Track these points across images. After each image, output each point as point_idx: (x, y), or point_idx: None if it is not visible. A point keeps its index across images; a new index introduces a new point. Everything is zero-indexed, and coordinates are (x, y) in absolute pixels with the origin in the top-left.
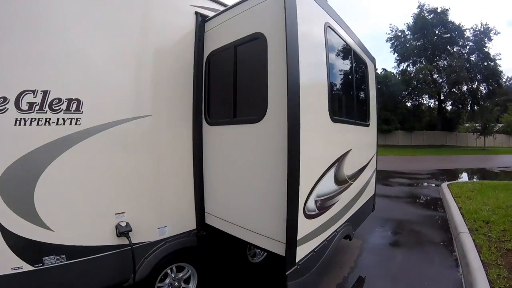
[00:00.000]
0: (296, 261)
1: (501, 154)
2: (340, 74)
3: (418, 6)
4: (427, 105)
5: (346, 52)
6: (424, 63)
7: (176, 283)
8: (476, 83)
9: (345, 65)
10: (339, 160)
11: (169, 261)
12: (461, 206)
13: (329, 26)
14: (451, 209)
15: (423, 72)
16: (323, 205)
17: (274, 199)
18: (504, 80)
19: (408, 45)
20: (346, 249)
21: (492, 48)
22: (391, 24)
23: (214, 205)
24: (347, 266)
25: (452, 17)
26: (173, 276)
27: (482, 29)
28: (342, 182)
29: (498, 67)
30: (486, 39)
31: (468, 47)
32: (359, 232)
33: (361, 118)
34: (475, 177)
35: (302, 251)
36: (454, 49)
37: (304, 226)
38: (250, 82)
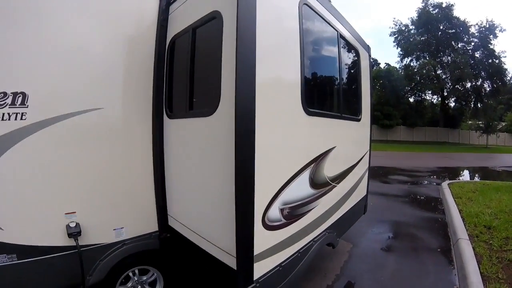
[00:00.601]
0: (255, 278)
1: (504, 153)
2: (320, 61)
3: (423, 1)
4: (430, 101)
5: (330, 36)
6: (427, 58)
7: (139, 287)
8: (480, 80)
9: (329, 51)
10: (318, 160)
11: (130, 263)
12: (462, 208)
13: (306, 4)
14: (451, 211)
15: (427, 68)
16: (294, 213)
17: (224, 206)
18: (509, 78)
19: (411, 39)
20: (333, 254)
21: (498, 45)
22: (395, 18)
23: (175, 206)
24: (332, 274)
25: (457, 12)
26: (135, 279)
27: (487, 26)
28: (321, 185)
29: (503, 64)
30: (491, 36)
31: (473, 44)
32: (350, 235)
33: (350, 112)
34: (477, 176)
35: (263, 267)
36: (459, 45)
37: (265, 239)
38: (206, 69)
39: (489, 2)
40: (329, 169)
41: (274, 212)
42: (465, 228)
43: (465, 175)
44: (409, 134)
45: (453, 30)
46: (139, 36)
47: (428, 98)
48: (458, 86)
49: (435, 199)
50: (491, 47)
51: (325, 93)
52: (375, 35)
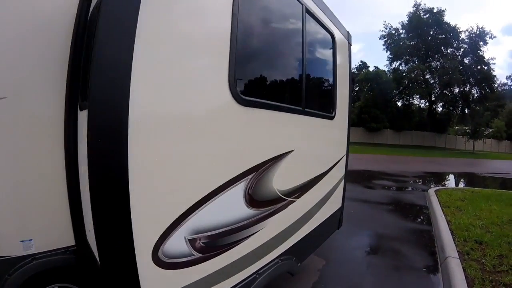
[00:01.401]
0: None
1: (490, 159)
2: (272, 33)
3: (414, 5)
4: (417, 105)
5: (291, 5)
6: (416, 62)
7: None
8: (469, 86)
9: (288, 23)
10: (261, 169)
11: (44, 281)
12: (450, 219)
13: None
14: (439, 223)
15: (415, 72)
16: (216, 243)
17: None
18: (497, 85)
19: (401, 43)
20: (301, 274)
21: (487, 52)
22: (385, 22)
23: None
24: None
25: (448, 18)
26: None
27: (477, 32)
28: (268, 202)
29: (491, 71)
30: (481, 43)
31: (462, 50)
32: (323, 249)
33: (319, 107)
34: (464, 182)
35: None
36: (448, 51)
37: (162, 281)
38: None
39: (479, 9)
40: (283, 180)
41: (177, 244)
42: (454, 243)
43: (452, 181)
44: (396, 138)
45: (443, 36)
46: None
47: (416, 102)
48: (446, 91)
49: (421, 208)
50: (481, 53)
51: (277, 78)
52: (365, 39)
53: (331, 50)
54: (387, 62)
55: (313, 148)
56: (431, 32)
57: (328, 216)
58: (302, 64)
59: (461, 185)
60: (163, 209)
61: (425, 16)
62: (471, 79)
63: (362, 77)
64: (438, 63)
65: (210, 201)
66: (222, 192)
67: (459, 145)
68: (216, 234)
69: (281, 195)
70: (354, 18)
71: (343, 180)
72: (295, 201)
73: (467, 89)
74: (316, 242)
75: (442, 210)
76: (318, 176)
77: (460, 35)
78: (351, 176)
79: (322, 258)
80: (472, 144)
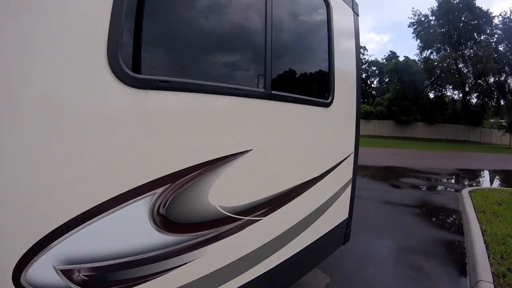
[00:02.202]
0: None
1: None
2: None
3: None
4: (450, 97)
5: None
6: (448, 51)
7: None
8: (504, 75)
9: None
10: (183, 179)
11: None
12: (485, 228)
13: None
14: (472, 233)
15: (448, 61)
16: (112, 277)
17: None
18: None
19: (431, 31)
20: None
21: None
22: (413, 8)
23: None
24: None
25: (480, 2)
26: None
27: None
28: (202, 225)
29: None
30: None
31: (496, 36)
32: (330, 262)
33: (302, 90)
34: (500, 180)
35: None
36: (481, 37)
37: None
38: None
39: None
40: (231, 193)
41: (44, 274)
42: (489, 261)
43: (488, 180)
44: (428, 131)
45: (475, 21)
46: None
47: (448, 93)
48: (480, 81)
49: (453, 212)
50: None
51: (210, 43)
52: (394, 28)
53: (324, 17)
54: (417, 51)
55: (292, 146)
56: (463, 18)
57: (325, 232)
58: (264, 25)
59: (498, 184)
60: (17, 228)
61: (455, 1)
62: (506, 68)
63: (391, 67)
64: (471, 51)
65: (88, 223)
66: (108, 212)
67: (494, 139)
68: (107, 266)
69: (228, 214)
70: (381, 7)
71: (350, 185)
72: (259, 219)
73: (502, 78)
74: (307, 264)
75: (477, 216)
76: (303, 184)
77: (493, 20)
78: (377, 174)
79: (326, 274)
80: (509, 138)
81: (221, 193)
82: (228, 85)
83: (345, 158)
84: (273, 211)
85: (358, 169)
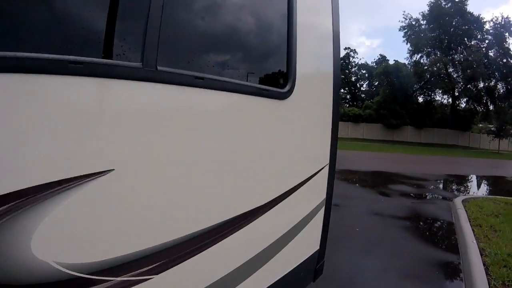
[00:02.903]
0: None
1: None
2: None
3: None
4: (439, 101)
5: None
6: (439, 55)
7: None
8: (494, 80)
9: None
10: None
11: None
12: (484, 246)
13: None
14: (469, 252)
15: (438, 65)
16: None
17: None
18: None
19: (422, 35)
20: None
21: None
22: (404, 12)
23: None
24: None
25: (471, 7)
26: None
27: (503, 23)
28: None
29: None
30: (507, 34)
31: (487, 41)
32: None
33: (230, 66)
34: (493, 187)
35: None
36: (472, 42)
37: None
38: None
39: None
40: (76, 241)
41: None
42: None
43: (480, 187)
44: (417, 135)
45: (466, 26)
46: None
47: (438, 98)
48: (470, 86)
49: (446, 225)
50: (507, 45)
51: None
52: (385, 33)
53: None
54: (408, 55)
55: (200, 159)
56: (454, 23)
57: (282, 276)
58: None
59: (491, 191)
60: None
61: (446, 6)
62: (496, 73)
63: (380, 70)
64: (461, 55)
65: None
66: None
67: (483, 144)
68: None
69: (77, 274)
70: (372, 12)
71: (323, 208)
72: (147, 278)
73: (492, 84)
74: None
75: (473, 230)
76: (239, 217)
77: (484, 25)
78: (364, 179)
79: None
80: (497, 143)
81: (58, 242)
82: (48, 56)
83: (315, 173)
84: (176, 264)
85: (344, 174)
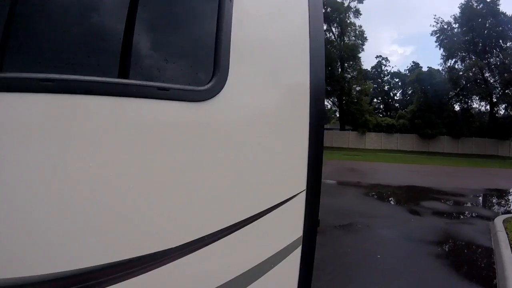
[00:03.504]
0: None
1: None
2: None
3: None
4: (477, 109)
5: None
6: (473, 59)
7: None
8: None
9: None
10: None
11: None
12: None
13: None
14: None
15: (473, 70)
16: None
17: None
18: None
19: (455, 39)
20: None
21: None
22: (435, 15)
23: None
24: None
25: (504, 7)
26: None
27: None
28: None
29: None
30: None
31: None
32: None
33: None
34: None
35: None
36: (508, 44)
37: None
38: None
39: None
40: None
41: None
42: None
43: None
44: (454, 145)
45: (500, 28)
46: None
47: (475, 105)
48: (508, 91)
49: (484, 252)
50: None
51: None
52: (417, 40)
53: None
54: (441, 61)
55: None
56: (487, 24)
57: None
58: None
59: None
60: None
61: (478, 7)
62: None
63: (413, 78)
64: (497, 59)
65: None
66: None
67: None
68: None
69: None
70: (403, 19)
71: (296, 252)
72: None
73: None
74: None
75: None
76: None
77: None
78: (394, 195)
79: None
80: None
81: None
82: None
83: (277, 205)
84: None
85: (373, 189)
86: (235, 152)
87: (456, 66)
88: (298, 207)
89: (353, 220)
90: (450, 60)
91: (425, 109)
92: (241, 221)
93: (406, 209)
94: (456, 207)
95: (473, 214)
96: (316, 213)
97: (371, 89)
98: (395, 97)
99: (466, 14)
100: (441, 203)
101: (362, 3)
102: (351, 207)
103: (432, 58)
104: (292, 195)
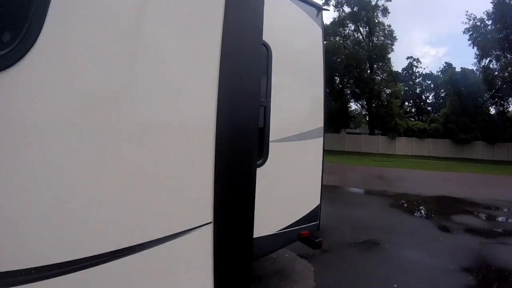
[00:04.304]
0: None
1: None
2: None
3: None
4: None
5: None
6: (509, 58)
7: None
8: None
9: None
10: None
11: None
12: None
13: None
14: None
15: (509, 70)
16: None
17: None
18: None
19: (489, 36)
20: None
21: None
22: (467, 12)
23: None
24: None
25: None
26: None
27: None
28: None
29: None
30: None
31: None
32: None
33: None
34: None
35: None
36: None
37: None
38: None
39: None
40: None
41: None
42: None
43: None
44: (489, 151)
45: None
46: None
47: (511, 108)
48: None
49: None
50: None
51: None
52: (450, 41)
53: None
54: (475, 60)
55: None
56: None
57: None
58: None
59: None
60: None
61: (511, 2)
62: None
63: (446, 79)
64: None
65: None
66: None
67: None
68: None
69: None
70: (435, 19)
71: None
72: None
73: None
74: None
75: None
76: None
77: None
78: (423, 207)
79: None
80: None
81: None
82: None
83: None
84: None
85: (399, 200)
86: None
87: (491, 66)
88: (197, 245)
89: (371, 237)
90: (484, 60)
91: (459, 113)
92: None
93: (434, 224)
94: (492, 223)
95: None
96: (233, 260)
97: (402, 92)
98: (428, 100)
99: (499, 10)
100: (475, 218)
101: (390, 1)
102: (371, 220)
103: (466, 59)
104: (181, 230)
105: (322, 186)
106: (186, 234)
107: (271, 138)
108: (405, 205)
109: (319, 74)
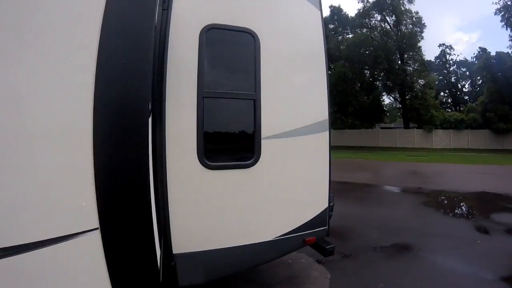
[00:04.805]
0: None
1: None
2: None
3: None
4: None
5: None
6: None
7: None
8: None
9: None
10: None
11: None
12: None
13: None
14: None
15: None
16: None
17: None
18: None
19: None
20: None
21: None
22: None
23: None
24: None
25: None
26: None
27: None
28: None
29: None
30: None
31: None
32: None
33: None
34: None
35: None
36: None
37: None
38: None
39: None
40: None
41: None
42: None
43: None
44: None
45: None
46: None
47: None
48: None
49: None
50: None
51: None
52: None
53: None
54: (510, 43)
55: None
56: None
57: None
58: None
59: None
60: None
61: None
62: None
63: (481, 65)
64: None
65: None
66: None
67: None
68: None
69: None
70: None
71: None
72: None
73: None
74: None
75: None
76: None
77: None
78: (459, 205)
79: None
80: None
81: None
82: None
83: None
84: None
85: (434, 197)
86: None
87: None
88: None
89: (400, 240)
90: None
91: (498, 100)
92: None
93: (472, 225)
94: None
95: None
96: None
97: (436, 82)
98: (464, 89)
99: None
100: None
101: None
102: (402, 221)
103: (500, 42)
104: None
105: (331, 186)
106: (64, 241)
107: (263, 134)
108: (440, 203)
109: (320, 62)
